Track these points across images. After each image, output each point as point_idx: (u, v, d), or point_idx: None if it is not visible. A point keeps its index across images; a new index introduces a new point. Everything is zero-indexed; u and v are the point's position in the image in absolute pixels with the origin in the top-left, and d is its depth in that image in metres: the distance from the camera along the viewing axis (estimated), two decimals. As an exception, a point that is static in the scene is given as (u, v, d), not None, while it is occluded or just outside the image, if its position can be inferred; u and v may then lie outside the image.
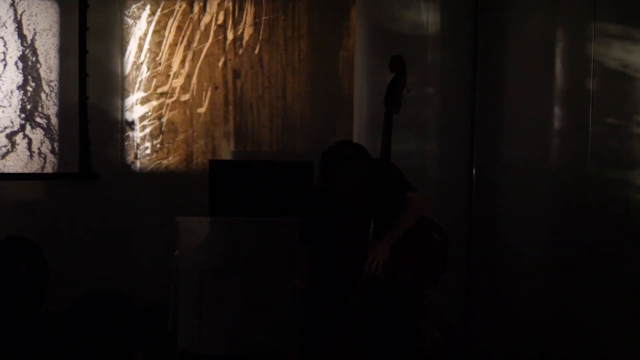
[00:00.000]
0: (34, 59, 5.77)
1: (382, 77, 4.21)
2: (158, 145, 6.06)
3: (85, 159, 5.77)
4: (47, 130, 5.76)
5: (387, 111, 3.85)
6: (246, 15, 6.10)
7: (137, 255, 5.92)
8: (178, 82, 6.06)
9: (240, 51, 6.09)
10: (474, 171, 5.24)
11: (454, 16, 5.22)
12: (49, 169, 5.80)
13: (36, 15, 5.74)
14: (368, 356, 3.64)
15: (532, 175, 4.73)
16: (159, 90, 6.05)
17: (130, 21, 5.99)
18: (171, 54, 6.05)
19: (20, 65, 5.73)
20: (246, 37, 6.13)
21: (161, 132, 6.05)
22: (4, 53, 5.71)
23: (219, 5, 6.07)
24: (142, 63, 6.03)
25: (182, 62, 6.05)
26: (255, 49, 6.12)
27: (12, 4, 5.70)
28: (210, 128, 6.09)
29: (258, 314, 4.91)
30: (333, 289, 3.68)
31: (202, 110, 6.08)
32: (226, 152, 6.10)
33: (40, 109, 5.76)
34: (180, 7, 6.02)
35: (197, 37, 6.06)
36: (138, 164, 6.04)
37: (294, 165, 5.09)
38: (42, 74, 5.76)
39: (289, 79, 6.15)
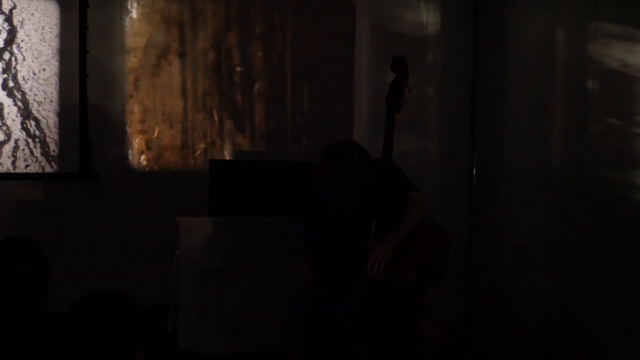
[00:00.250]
0: (34, 57, 5.76)
1: (382, 77, 4.21)
2: (158, 144, 6.05)
3: (85, 159, 5.75)
4: (48, 130, 5.75)
5: (388, 111, 3.85)
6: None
7: (138, 255, 5.91)
8: (179, 80, 6.05)
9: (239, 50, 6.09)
10: (474, 171, 5.24)
11: (454, 16, 5.22)
12: (49, 169, 5.79)
13: (34, 15, 5.73)
14: (368, 356, 3.64)
15: (533, 175, 4.73)
16: (161, 88, 6.05)
17: (129, 20, 5.98)
18: (171, 53, 6.04)
19: (20, 64, 5.72)
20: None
21: (162, 131, 6.05)
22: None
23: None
24: (142, 62, 6.02)
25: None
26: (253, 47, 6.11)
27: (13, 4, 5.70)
28: (211, 127, 6.08)
29: (258, 314, 4.90)
30: (334, 289, 3.68)
31: (203, 108, 6.07)
32: (226, 151, 6.09)
33: (40, 108, 5.75)
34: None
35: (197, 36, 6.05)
36: (138, 163, 6.03)
37: (295, 165, 5.08)
38: (42, 74, 5.75)
39: (289, 78, 6.14)
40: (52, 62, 5.78)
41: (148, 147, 6.03)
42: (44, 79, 5.76)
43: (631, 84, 4.16)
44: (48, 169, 5.77)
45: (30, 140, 5.75)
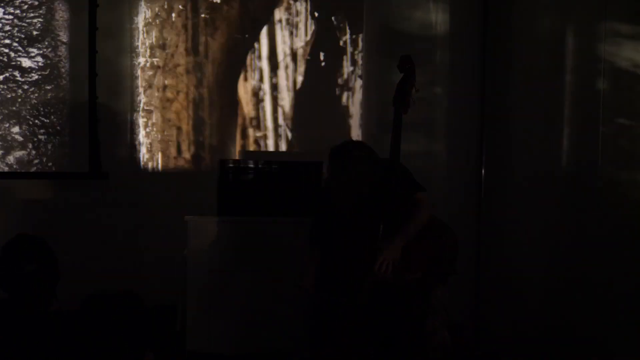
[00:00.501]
0: (43, 58, 5.77)
1: (390, 77, 4.20)
2: (167, 144, 6.05)
3: (95, 158, 5.76)
4: (57, 129, 5.77)
5: (396, 111, 3.84)
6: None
7: (146, 255, 5.91)
8: (188, 80, 6.05)
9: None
10: (482, 172, 5.22)
11: (463, 16, 5.22)
12: (58, 169, 5.80)
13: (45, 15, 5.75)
14: (376, 356, 3.63)
15: (542, 175, 4.71)
16: (170, 88, 6.05)
17: (138, 20, 5.99)
18: (180, 52, 6.05)
19: (30, 64, 5.74)
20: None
21: (171, 131, 6.05)
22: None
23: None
24: (151, 61, 6.03)
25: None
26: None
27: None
28: (220, 127, 6.09)
29: (266, 314, 4.90)
30: (341, 289, 3.67)
31: (211, 109, 6.07)
32: (235, 151, 6.09)
33: (50, 107, 5.76)
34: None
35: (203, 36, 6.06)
36: (147, 163, 6.04)
37: (303, 165, 5.08)
38: (52, 74, 5.77)
39: (297, 77, 6.14)
40: (62, 62, 5.80)
41: (157, 147, 6.04)
42: (56, 79, 5.78)
43: (641, 84, 4.15)
44: (57, 169, 5.78)
45: (39, 139, 5.76)
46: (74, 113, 5.79)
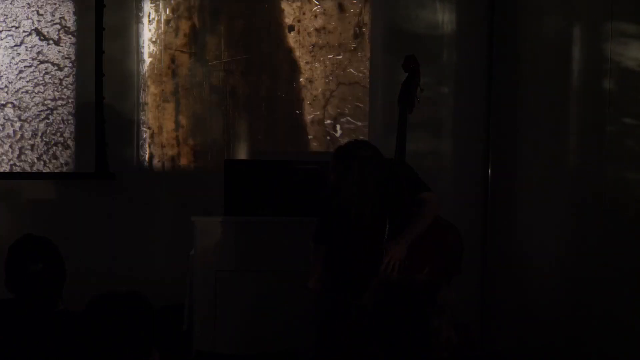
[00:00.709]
0: (51, 58, 5.79)
1: (397, 77, 4.20)
2: (174, 144, 6.07)
3: (101, 159, 5.78)
4: (64, 129, 5.79)
5: (401, 111, 3.85)
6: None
7: (153, 255, 5.93)
8: (194, 79, 6.07)
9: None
10: (489, 171, 5.22)
11: (469, 16, 5.21)
12: (65, 169, 5.82)
13: (52, 15, 5.77)
14: (381, 356, 3.64)
15: (548, 175, 4.71)
16: (175, 88, 6.07)
17: (145, 20, 6.00)
18: (186, 52, 6.06)
19: (36, 65, 5.76)
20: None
21: (177, 131, 6.06)
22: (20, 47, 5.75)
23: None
24: (157, 61, 6.04)
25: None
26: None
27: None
28: (226, 127, 6.09)
29: (273, 314, 4.91)
30: (347, 289, 3.68)
31: (218, 108, 6.08)
32: (242, 151, 6.10)
33: (56, 108, 5.78)
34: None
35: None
36: (154, 163, 6.05)
37: (310, 165, 5.08)
38: (58, 74, 5.79)
39: (305, 78, 6.15)
40: (68, 62, 5.82)
41: (163, 147, 6.05)
42: (60, 79, 5.80)
43: (647, 84, 4.15)
44: (64, 169, 5.80)
45: (46, 140, 5.78)
46: (80, 113, 5.81)
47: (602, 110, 4.31)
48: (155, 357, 2.39)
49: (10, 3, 5.72)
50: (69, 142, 5.82)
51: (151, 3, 5.99)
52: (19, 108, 5.74)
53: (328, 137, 5.99)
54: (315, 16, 5.98)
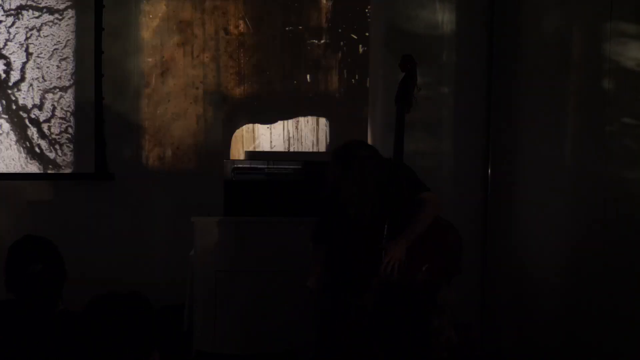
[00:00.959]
0: (50, 58, 5.80)
1: (397, 77, 4.21)
2: (173, 145, 6.08)
3: (101, 159, 5.79)
4: (63, 130, 5.80)
5: (398, 110, 3.85)
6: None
7: (153, 255, 5.95)
8: (193, 80, 6.08)
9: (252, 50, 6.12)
10: (489, 171, 5.23)
11: (469, 16, 5.21)
12: (65, 169, 5.83)
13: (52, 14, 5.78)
14: (382, 356, 3.64)
15: (548, 174, 4.71)
16: (175, 88, 6.08)
17: (143, 20, 6.01)
18: (185, 53, 6.07)
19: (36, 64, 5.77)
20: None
21: (176, 131, 6.08)
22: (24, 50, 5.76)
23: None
24: (156, 62, 6.05)
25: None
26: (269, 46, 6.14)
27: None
28: (226, 127, 6.11)
29: (273, 314, 4.92)
30: (347, 289, 3.68)
31: (217, 108, 6.09)
32: (240, 152, 6.11)
33: (56, 109, 5.79)
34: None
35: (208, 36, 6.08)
36: (153, 163, 6.06)
37: (310, 165, 5.09)
38: (58, 74, 5.80)
39: (303, 77, 6.16)
40: (68, 62, 5.83)
41: (163, 147, 6.06)
42: (60, 79, 5.81)
43: (646, 84, 4.16)
44: (63, 170, 5.81)
45: (46, 140, 5.78)
46: (80, 113, 5.82)
47: (601, 110, 4.32)
48: (156, 357, 2.39)
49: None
50: (69, 142, 5.83)
51: (150, 2, 6.00)
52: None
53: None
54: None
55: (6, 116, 5.72)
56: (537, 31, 4.88)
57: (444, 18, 5.16)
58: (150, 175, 6.05)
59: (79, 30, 5.83)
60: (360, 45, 6.22)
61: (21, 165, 5.77)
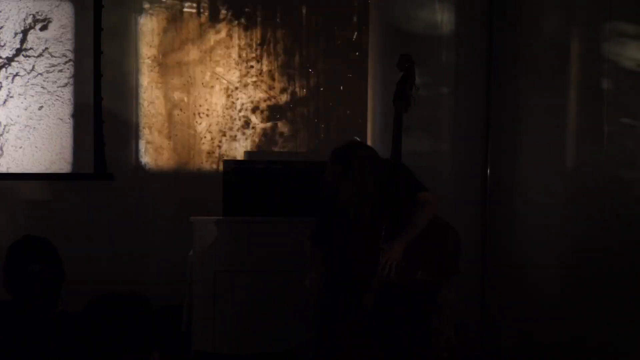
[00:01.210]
0: (50, 59, 5.80)
1: (396, 77, 4.21)
2: (172, 145, 6.08)
3: (100, 159, 5.79)
4: (62, 130, 5.80)
5: (396, 111, 3.84)
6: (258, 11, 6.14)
7: (152, 255, 5.95)
8: (192, 81, 6.08)
9: (252, 47, 6.11)
10: (488, 171, 5.23)
11: (468, 16, 5.21)
12: (64, 169, 5.83)
13: (50, 15, 5.78)
14: (381, 357, 3.65)
15: (547, 175, 4.72)
16: (174, 88, 6.08)
17: (143, 21, 6.01)
18: (183, 53, 6.07)
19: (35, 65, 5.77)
20: (257, 33, 6.15)
21: (175, 132, 6.08)
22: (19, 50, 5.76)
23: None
24: (155, 62, 6.05)
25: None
26: (266, 45, 6.13)
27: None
28: (225, 127, 6.11)
29: (272, 314, 4.92)
30: (346, 289, 3.69)
31: (215, 109, 6.09)
32: (240, 152, 6.11)
33: (55, 108, 5.79)
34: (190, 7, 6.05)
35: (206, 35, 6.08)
36: (152, 163, 6.06)
37: (309, 165, 5.10)
38: (57, 74, 5.80)
39: (303, 78, 6.16)
40: (68, 62, 5.83)
41: (162, 147, 6.06)
42: (58, 79, 5.81)
43: (646, 84, 4.17)
44: (62, 169, 5.81)
45: (45, 140, 5.79)
46: (79, 113, 5.82)
47: (600, 110, 4.33)
48: (156, 357, 2.39)
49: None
50: (68, 142, 5.83)
51: (150, 2, 6.00)
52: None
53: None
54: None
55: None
56: (537, 31, 4.88)
57: (443, 18, 5.16)
58: (150, 175, 6.05)
59: (78, 30, 5.83)
60: (360, 45, 6.22)
61: (19, 165, 5.77)
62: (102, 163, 5.80)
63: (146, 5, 6.01)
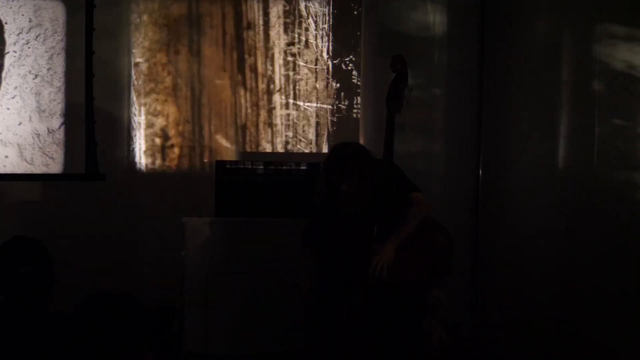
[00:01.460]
0: (41, 59, 5.80)
1: (389, 78, 4.22)
2: (164, 145, 6.08)
3: (91, 160, 5.78)
4: (54, 130, 5.79)
5: (388, 112, 3.86)
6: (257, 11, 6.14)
7: (144, 256, 5.95)
8: (185, 80, 6.08)
9: (245, 49, 6.12)
10: (480, 172, 5.25)
11: (460, 17, 5.23)
12: (55, 170, 5.82)
13: (42, 15, 5.77)
14: (374, 357, 3.66)
15: (539, 176, 4.74)
16: (165, 89, 6.08)
17: (135, 20, 6.02)
18: (177, 53, 6.08)
19: (27, 64, 5.77)
20: (250, 34, 6.15)
21: (167, 132, 6.08)
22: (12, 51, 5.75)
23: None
24: (147, 62, 6.05)
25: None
26: (260, 44, 6.14)
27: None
28: (217, 128, 6.11)
29: (264, 315, 4.93)
30: (337, 290, 3.70)
31: (208, 109, 6.10)
32: (232, 152, 6.12)
33: (46, 109, 5.79)
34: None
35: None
36: (144, 164, 6.06)
37: (301, 166, 5.11)
38: (48, 74, 5.79)
39: (296, 79, 6.17)
40: (58, 62, 5.83)
41: (154, 148, 6.07)
42: (51, 79, 5.80)
43: (636, 85, 4.19)
44: (54, 170, 5.80)
45: (36, 140, 5.78)
46: (70, 114, 5.81)
47: (591, 111, 4.35)
48: (148, 358, 2.40)
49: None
50: (59, 143, 5.82)
51: (143, 3, 6.00)
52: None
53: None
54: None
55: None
56: (529, 33, 4.91)
57: (436, 19, 5.18)
58: (142, 176, 6.05)
59: (70, 30, 5.82)
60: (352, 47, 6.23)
61: (10, 165, 5.76)
62: (93, 163, 5.79)
63: (139, 5, 6.02)
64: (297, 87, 6.19)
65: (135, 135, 6.04)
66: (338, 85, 6.25)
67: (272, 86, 6.18)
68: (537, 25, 4.84)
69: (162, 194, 5.97)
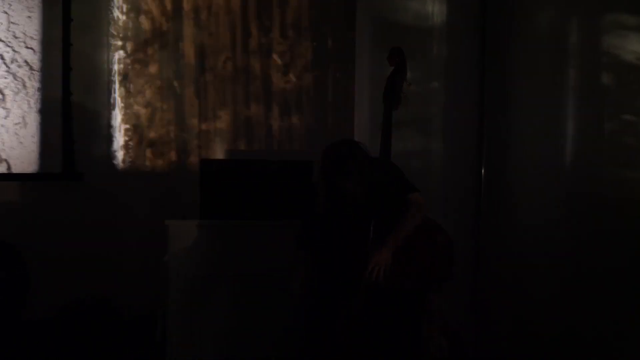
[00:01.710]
0: (14, 52, 5.76)
1: (384, 71, 4.21)
2: (146, 143, 6.05)
3: (68, 158, 5.76)
4: (28, 127, 5.76)
5: (385, 107, 3.85)
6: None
7: (124, 261, 5.90)
8: (167, 75, 6.06)
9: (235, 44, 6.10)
10: (482, 170, 5.24)
11: (460, 6, 5.23)
12: (30, 169, 5.79)
13: (16, 5, 5.74)
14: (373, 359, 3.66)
15: (544, 174, 4.73)
16: (148, 84, 6.05)
17: (115, 11, 5.99)
18: (159, 46, 6.05)
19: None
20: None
21: (150, 129, 6.05)
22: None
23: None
24: (129, 56, 6.03)
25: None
26: (250, 41, 6.12)
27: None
28: (202, 125, 6.09)
29: (252, 321, 4.93)
30: (334, 295, 3.69)
31: (193, 105, 6.07)
32: (219, 150, 6.09)
33: (20, 104, 5.75)
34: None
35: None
36: (125, 162, 6.03)
37: (291, 165, 5.09)
38: (23, 68, 5.76)
39: (288, 73, 6.15)
40: (34, 55, 5.80)
41: (135, 146, 6.03)
42: (24, 73, 5.77)
43: (647, 79, 4.18)
44: (28, 169, 5.76)
45: (10, 138, 5.75)
46: (46, 110, 5.78)
47: (600, 106, 4.34)
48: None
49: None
50: (34, 140, 5.79)
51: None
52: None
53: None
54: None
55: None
56: (533, 23, 4.90)
57: (434, 9, 5.17)
58: (122, 175, 6.01)
59: (45, 21, 5.79)
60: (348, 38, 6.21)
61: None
62: (71, 162, 5.76)
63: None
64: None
65: (115, 132, 6.01)
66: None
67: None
68: (542, 15, 4.83)
69: (145, 195, 5.94)
